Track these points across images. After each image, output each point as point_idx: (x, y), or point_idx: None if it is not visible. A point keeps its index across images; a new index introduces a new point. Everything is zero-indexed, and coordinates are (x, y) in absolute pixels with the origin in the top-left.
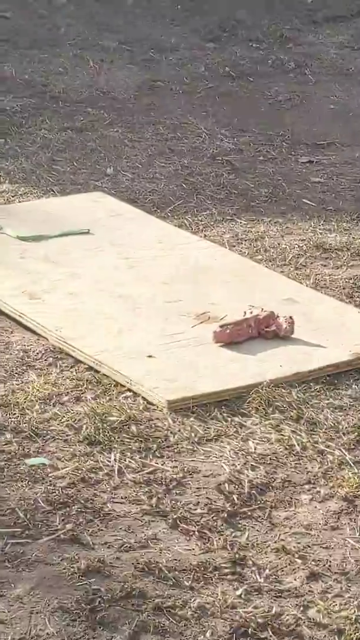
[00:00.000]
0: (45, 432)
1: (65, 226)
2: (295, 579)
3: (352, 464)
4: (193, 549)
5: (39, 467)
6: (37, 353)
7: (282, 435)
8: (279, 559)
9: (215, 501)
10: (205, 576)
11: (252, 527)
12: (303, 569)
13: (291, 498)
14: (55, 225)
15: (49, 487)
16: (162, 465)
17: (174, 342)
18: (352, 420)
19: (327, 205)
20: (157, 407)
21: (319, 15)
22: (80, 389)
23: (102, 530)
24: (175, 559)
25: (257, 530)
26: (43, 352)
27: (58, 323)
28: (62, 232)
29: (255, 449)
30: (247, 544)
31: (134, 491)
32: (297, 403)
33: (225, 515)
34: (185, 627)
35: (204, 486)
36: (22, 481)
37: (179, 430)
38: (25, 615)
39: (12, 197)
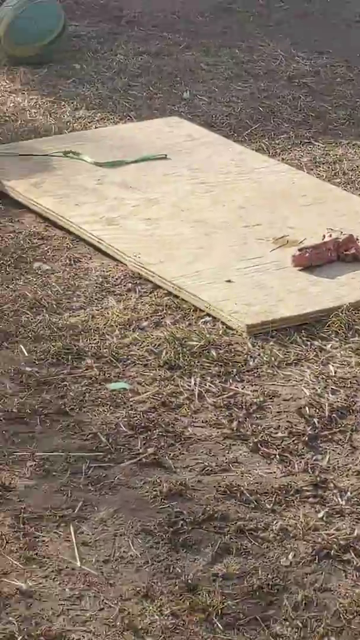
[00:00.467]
0: (125, 357)
1: (142, 151)
2: None
3: None
4: (274, 472)
5: (120, 391)
6: (116, 279)
7: None
8: None
9: (295, 425)
10: (287, 499)
11: (333, 450)
12: None
13: None
14: (132, 151)
15: (130, 411)
16: (242, 389)
17: (252, 267)
18: None
19: None
20: (237, 331)
21: None
22: (159, 314)
23: (183, 454)
24: (257, 482)
25: (338, 454)
26: (122, 277)
27: (136, 249)
28: (139, 157)
29: (335, 372)
30: (329, 467)
31: (215, 415)
32: None
33: (306, 438)
34: (267, 549)
35: (284, 410)
36: (103, 406)
37: (259, 355)
38: (109, 537)
39: (89, 123)
